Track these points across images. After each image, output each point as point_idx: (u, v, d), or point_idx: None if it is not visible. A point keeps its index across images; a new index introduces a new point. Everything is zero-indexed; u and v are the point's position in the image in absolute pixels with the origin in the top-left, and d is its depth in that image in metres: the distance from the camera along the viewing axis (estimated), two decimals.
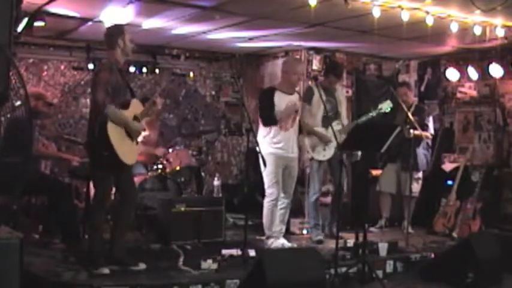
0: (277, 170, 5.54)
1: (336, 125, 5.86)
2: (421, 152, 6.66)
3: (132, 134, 4.44)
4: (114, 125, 4.27)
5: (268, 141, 5.53)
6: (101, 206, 4.50)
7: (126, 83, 4.60)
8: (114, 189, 4.77)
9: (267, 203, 5.60)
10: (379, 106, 5.98)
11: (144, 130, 4.63)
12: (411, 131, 6.06)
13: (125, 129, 4.39)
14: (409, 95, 6.81)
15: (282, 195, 5.66)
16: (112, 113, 4.25)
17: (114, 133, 4.26)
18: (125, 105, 4.44)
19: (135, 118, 4.50)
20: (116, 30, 4.54)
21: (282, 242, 5.61)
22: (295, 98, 5.69)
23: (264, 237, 5.81)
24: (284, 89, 5.65)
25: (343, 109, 6.25)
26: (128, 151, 4.40)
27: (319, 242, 6.00)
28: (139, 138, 4.64)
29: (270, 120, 5.53)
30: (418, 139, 6.39)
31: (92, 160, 4.56)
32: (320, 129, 6.02)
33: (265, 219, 5.63)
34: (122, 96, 4.45)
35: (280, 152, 5.53)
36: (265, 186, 5.61)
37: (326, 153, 6.01)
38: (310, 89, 6.17)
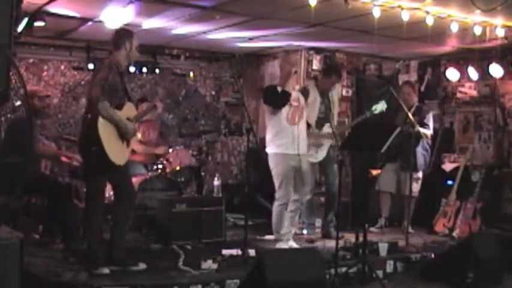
0: (286, 171, 5.38)
1: (327, 128, 5.87)
2: (420, 152, 6.66)
3: (123, 135, 4.41)
4: (106, 122, 4.26)
5: (276, 141, 5.40)
6: (95, 206, 4.48)
7: (124, 86, 4.58)
8: (112, 190, 4.77)
9: (276, 206, 5.48)
10: (373, 107, 6.00)
11: (136, 133, 4.57)
12: (417, 125, 6.07)
13: (117, 130, 4.37)
14: (413, 95, 6.82)
15: (294, 197, 5.51)
16: (104, 108, 4.23)
17: (105, 130, 4.25)
18: (119, 107, 4.43)
19: (128, 120, 4.48)
20: (127, 33, 4.60)
21: (291, 244, 5.56)
22: (295, 94, 5.61)
23: (264, 237, 5.82)
24: (283, 85, 5.46)
25: (335, 109, 6.26)
26: (116, 150, 4.35)
27: (310, 241, 5.99)
28: (133, 141, 4.59)
29: (280, 97, 5.27)
30: (418, 137, 6.37)
31: (83, 159, 4.59)
32: (314, 131, 6.01)
33: (273, 222, 5.53)
34: (118, 97, 4.43)
35: (287, 150, 5.36)
36: (276, 188, 5.47)
37: (318, 155, 6.01)
38: (305, 90, 6.06)
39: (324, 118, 5.91)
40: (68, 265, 4.53)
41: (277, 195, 5.48)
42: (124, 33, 4.58)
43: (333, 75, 6.25)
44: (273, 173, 5.41)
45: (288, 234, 5.56)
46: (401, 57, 8.36)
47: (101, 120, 4.23)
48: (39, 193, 5.27)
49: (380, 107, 5.98)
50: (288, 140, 5.37)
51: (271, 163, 5.45)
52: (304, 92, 6.04)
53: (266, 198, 6.13)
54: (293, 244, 5.56)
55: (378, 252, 5.34)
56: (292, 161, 5.40)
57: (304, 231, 6.44)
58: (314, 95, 5.81)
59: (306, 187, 5.60)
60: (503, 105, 7.37)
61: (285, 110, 5.44)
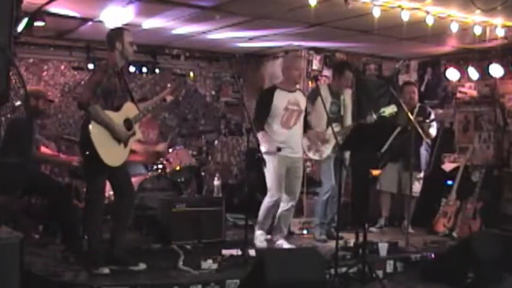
0: (279, 170, 5.41)
1: (335, 127, 5.86)
2: (423, 152, 6.66)
3: (117, 138, 4.39)
4: (98, 125, 4.26)
5: (271, 140, 5.39)
6: (95, 206, 4.48)
7: (125, 86, 4.57)
8: (112, 189, 4.77)
9: (267, 202, 5.50)
10: (382, 109, 5.96)
11: (133, 134, 4.52)
12: (433, 123, 6.16)
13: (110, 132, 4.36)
14: (416, 95, 6.81)
15: (286, 197, 5.56)
16: (94, 112, 4.23)
17: (97, 133, 4.25)
18: (117, 108, 4.42)
19: (126, 121, 4.46)
20: (116, 33, 4.53)
21: (281, 242, 5.58)
22: (297, 95, 5.62)
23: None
24: (286, 86, 5.57)
25: (348, 113, 6.22)
26: (111, 153, 4.33)
27: (323, 241, 6.00)
28: (132, 141, 4.55)
29: (256, 121, 5.40)
30: (421, 137, 6.36)
31: (84, 161, 4.61)
32: (318, 128, 6.01)
33: (260, 214, 5.55)
34: (117, 99, 4.43)
35: (282, 151, 5.37)
36: (268, 186, 5.50)
37: (321, 153, 6.00)
38: (315, 89, 6.04)
39: (334, 119, 5.91)
40: (68, 265, 4.53)
41: (269, 192, 5.50)
42: (113, 34, 4.53)
43: (346, 70, 6.18)
44: (265, 170, 5.40)
45: (280, 233, 5.60)
46: (401, 57, 8.37)
47: (92, 123, 4.23)
48: (39, 193, 5.27)
49: (389, 110, 5.94)
50: (282, 144, 5.38)
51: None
52: (314, 92, 6.05)
53: None
54: (284, 243, 5.58)
55: (378, 252, 5.34)
56: (286, 162, 5.44)
57: (304, 232, 6.44)
58: (325, 95, 5.82)
59: (298, 189, 5.66)
60: (503, 105, 7.36)
61: (280, 114, 5.47)
